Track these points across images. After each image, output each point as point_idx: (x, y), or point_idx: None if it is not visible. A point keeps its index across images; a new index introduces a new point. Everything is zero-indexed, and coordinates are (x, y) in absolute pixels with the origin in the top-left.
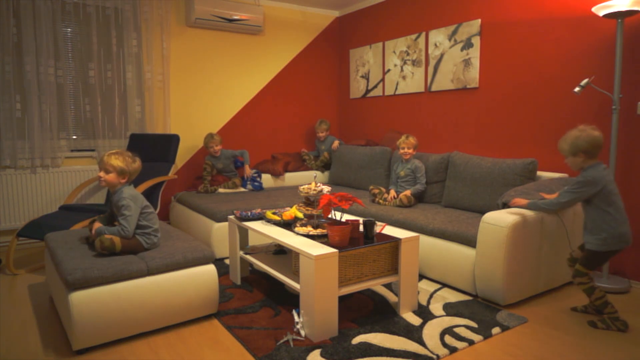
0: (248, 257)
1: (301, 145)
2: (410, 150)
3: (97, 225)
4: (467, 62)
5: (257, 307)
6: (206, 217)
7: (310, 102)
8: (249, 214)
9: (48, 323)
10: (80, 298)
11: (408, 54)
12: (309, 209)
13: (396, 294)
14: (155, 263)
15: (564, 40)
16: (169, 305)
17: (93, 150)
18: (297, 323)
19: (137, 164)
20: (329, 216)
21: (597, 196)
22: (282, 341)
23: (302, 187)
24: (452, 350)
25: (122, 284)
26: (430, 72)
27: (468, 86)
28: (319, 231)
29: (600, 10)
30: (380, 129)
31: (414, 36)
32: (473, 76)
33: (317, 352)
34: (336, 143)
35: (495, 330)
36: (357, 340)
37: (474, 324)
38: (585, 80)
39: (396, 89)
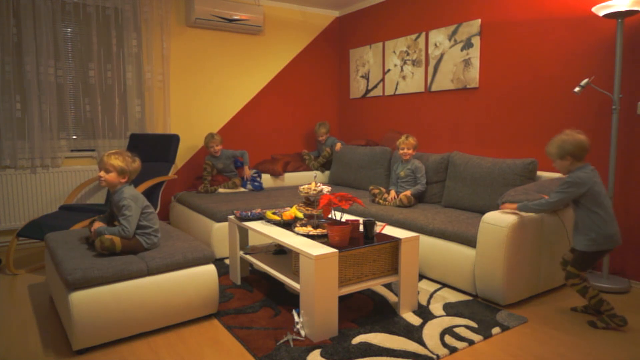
0: (248, 257)
1: (301, 145)
2: (410, 151)
3: (97, 225)
4: (467, 62)
5: (257, 307)
6: (206, 217)
7: (310, 102)
8: (249, 214)
9: (48, 323)
10: (80, 298)
11: (408, 54)
12: (309, 209)
13: (396, 294)
14: (155, 263)
15: (564, 40)
16: (169, 305)
17: (93, 150)
18: (297, 323)
19: (136, 163)
20: (329, 216)
21: (585, 197)
22: (282, 341)
23: (302, 187)
24: (452, 350)
25: (122, 284)
26: (430, 72)
27: (468, 86)
28: (319, 231)
29: (600, 10)
30: (380, 129)
31: (414, 36)
32: (473, 76)
33: (317, 352)
34: (339, 145)
35: (495, 330)
36: (357, 340)
37: (474, 324)
38: (585, 80)
39: (396, 89)
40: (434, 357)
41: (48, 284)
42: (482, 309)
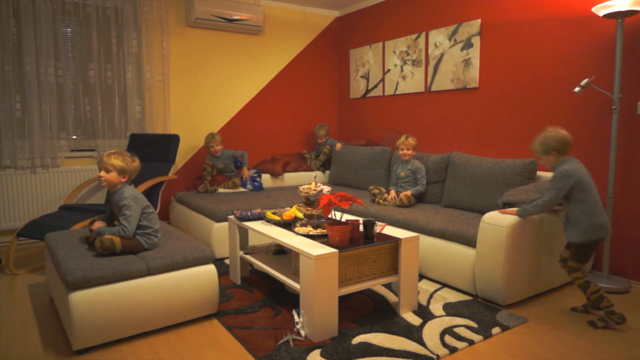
0: (248, 257)
1: (301, 145)
2: (410, 151)
3: (97, 225)
4: (467, 62)
5: (257, 307)
6: (206, 217)
7: (310, 102)
8: (249, 214)
9: (48, 323)
10: (80, 298)
11: (408, 54)
12: (309, 209)
13: (396, 294)
14: (155, 263)
15: (564, 40)
16: (169, 305)
17: (93, 150)
18: (297, 323)
19: (136, 163)
20: (329, 216)
21: (574, 189)
22: (282, 341)
23: (302, 187)
24: (452, 350)
25: (122, 284)
26: (430, 72)
27: (468, 86)
28: (319, 231)
29: (600, 10)
30: (380, 129)
31: (414, 36)
32: (473, 76)
33: (317, 352)
34: (339, 145)
35: (495, 330)
36: (357, 340)
37: (474, 324)
38: (585, 80)
39: (396, 89)
40: (434, 357)
41: (48, 284)
42: (482, 309)
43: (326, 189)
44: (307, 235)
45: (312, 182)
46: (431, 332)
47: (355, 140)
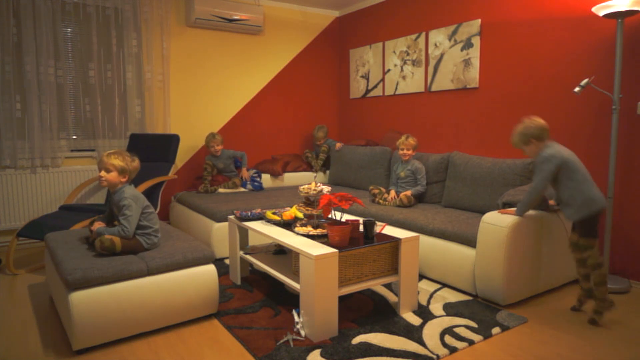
0: (248, 257)
1: (301, 145)
2: (410, 152)
3: (97, 225)
4: (467, 62)
5: (257, 307)
6: (206, 217)
7: (310, 102)
8: (249, 214)
9: (48, 323)
10: (80, 298)
11: (408, 54)
12: (309, 209)
13: (396, 294)
14: (155, 263)
15: (564, 40)
16: (169, 305)
17: (93, 150)
18: (297, 323)
19: (136, 162)
20: (329, 216)
21: (561, 171)
22: (282, 341)
23: (302, 187)
24: (452, 350)
25: (122, 284)
26: (430, 72)
27: (468, 86)
28: (319, 231)
29: (600, 10)
30: (380, 129)
31: (414, 36)
32: (473, 76)
33: (317, 352)
34: (339, 144)
35: (495, 330)
36: (357, 340)
37: (474, 324)
38: (585, 80)
39: (396, 89)
40: (434, 357)
41: (48, 284)
42: (482, 309)
43: (326, 189)
44: (307, 235)
45: (312, 182)
46: (431, 332)
47: (355, 140)
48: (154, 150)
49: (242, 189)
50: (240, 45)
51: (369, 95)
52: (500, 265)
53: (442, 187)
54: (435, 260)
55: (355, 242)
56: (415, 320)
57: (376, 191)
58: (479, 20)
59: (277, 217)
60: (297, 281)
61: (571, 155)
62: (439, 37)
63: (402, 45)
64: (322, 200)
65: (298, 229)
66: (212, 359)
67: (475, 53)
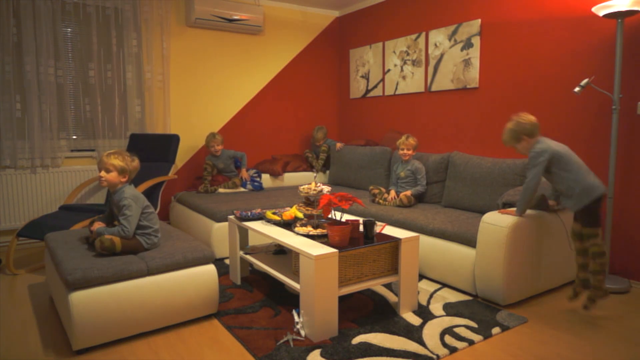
0: (248, 257)
1: (301, 145)
2: (410, 152)
3: (97, 225)
4: (467, 62)
5: (257, 307)
6: (206, 217)
7: (310, 102)
8: (249, 214)
9: (48, 323)
10: (80, 298)
11: (408, 54)
12: (309, 209)
13: (396, 294)
14: (155, 263)
15: (564, 40)
16: (169, 305)
17: (93, 150)
18: (297, 323)
19: (135, 162)
20: (329, 216)
21: (553, 163)
22: (282, 341)
23: (302, 187)
24: (452, 350)
25: (122, 284)
26: (430, 72)
27: (468, 86)
28: (319, 231)
29: (600, 10)
30: (380, 129)
31: (414, 36)
32: (473, 76)
33: (317, 352)
34: (339, 144)
35: (495, 330)
36: (357, 340)
37: (474, 324)
38: (585, 80)
39: (396, 89)
40: (434, 357)
41: (48, 284)
42: (482, 309)
43: (326, 189)
44: (307, 235)
45: (312, 182)
46: (431, 332)
47: (355, 140)
48: (154, 150)
49: (242, 189)
50: (240, 45)
51: (369, 95)
52: (500, 265)
53: (442, 187)
54: (435, 260)
55: (355, 242)
56: (415, 320)
57: (376, 191)
58: (479, 20)
59: (277, 217)
60: (297, 281)
61: (562, 148)
62: (439, 37)
63: (402, 45)
64: (322, 200)
65: (298, 229)
66: (212, 359)
67: (475, 53)
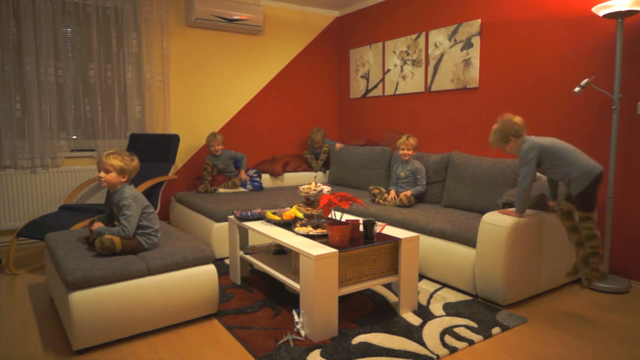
0: (248, 257)
1: (301, 145)
2: (410, 152)
3: (97, 225)
4: (467, 62)
5: (257, 307)
6: (206, 217)
7: (310, 103)
8: (249, 214)
9: (48, 323)
10: (80, 298)
11: (408, 54)
12: (309, 209)
13: (396, 294)
14: (155, 263)
15: (564, 40)
16: (169, 305)
17: (93, 150)
18: (297, 323)
19: (135, 162)
20: (329, 216)
21: (545, 157)
22: (282, 341)
23: (302, 187)
24: (452, 350)
25: (122, 284)
26: (430, 72)
27: (468, 86)
28: (319, 231)
29: (600, 10)
30: (380, 129)
31: (414, 36)
32: (473, 76)
33: (317, 352)
34: (339, 145)
35: (495, 330)
36: (357, 340)
37: (474, 324)
38: (585, 80)
39: (396, 89)
40: (434, 357)
41: (48, 284)
42: (482, 309)
43: (326, 189)
44: (307, 235)
45: (312, 182)
46: (431, 332)
47: (355, 140)
48: (154, 150)
49: (242, 189)
50: (240, 45)
51: (369, 95)
52: (500, 265)
53: (442, 187)
54: (435, 260)
55: (355, 242)
56: (415, 320)
57: (376, 191)
58: (479, 20)
59: (277, 217)
60: (297, 281)
61: (549, 141)
62: (439, 37)
63: (402, 45)
64: (322, 200)
65: (298, 229)
66: (212, 359)
67: (475, 53)
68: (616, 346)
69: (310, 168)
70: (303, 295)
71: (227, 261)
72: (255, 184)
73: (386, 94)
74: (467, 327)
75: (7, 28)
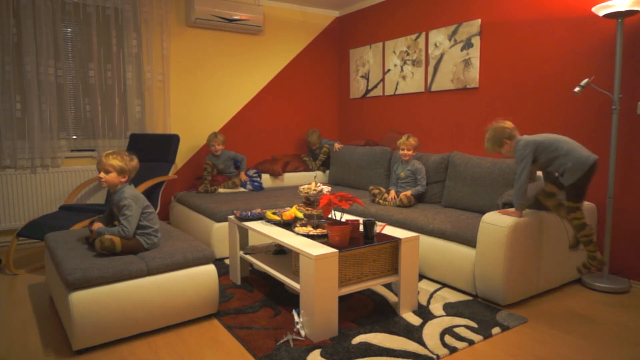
0: (248, 257)
1: (301, 145)
2: (410, 152)
3: (97, 225)
4: (467, 62)
5: (257, 307)
6: (206, 217)
7: (310, 103)
8: (249, 214)
9: (48, 323)
10: (80, 298)
11: (408, 54)
12: (309, 209)
13: (396, 294)
14: (155, 263)
15: (564, 40)
16: (169, 305)
17: (93, 150)
18: (297, 323)
19: (134, 162)
20: (329, 216)
21: (540, 153)
22: (282, 341)
23: (302, 187)
24: (452, 350)
25: (122, 284)
26: (430, 72)
27: (468, 86)
28: (319, 231)
29: (600, 10)
30: (380, 129)
31: (414, 36)
32: (473, 76)
33: (317, 352)
34: (338, 145)
35: (495, 330)
36: (357, 340)
37: (474, 324)
38: (585, 80)
39: (396, 89)
40: (434, 357)
41: (48, 284)
42: (482, 309)
43: (326, 189)
44: (307, 235)
45: (312, 182)
46: (431, 332)
47: (355, 140)
48: (154, 150)
49: (242, 189)
50: (240, 45)
51: (369, 95)
52: (500, 265)
53: (442, 187)
54: (435, 260)
55: (355, 242)
56: (415, 320)
57: (376, 191)
58: (479, 20)
59: (277, 217)
60: (297, 281)
61: (542, 136)
62: (439, 37)
63: (402, 45)
64: (322, 200)
65: (298, 229)
66: (212, 359)
67: (475, 53)
68: (616, 346)
69: (309, 169)
70: (303, 295)
71: (227, 261)
72: (255, 184)
73: (386, 94)
74: (467, 327)
75: (7, 28)
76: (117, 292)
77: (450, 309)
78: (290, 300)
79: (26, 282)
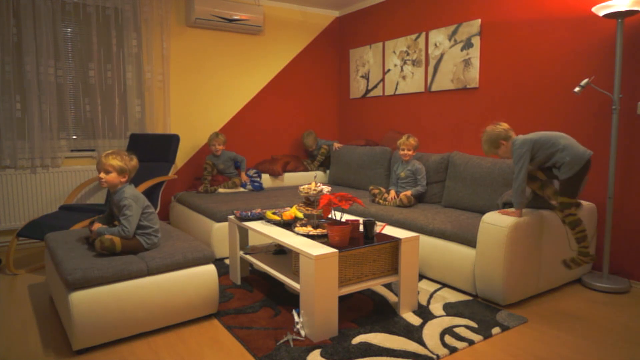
0: (248, 257)
1: (301, 145)
2: (410, 152)
3: (97, 225)
4: (467, 62)
5: (257, 307)
6: (206, 217)
7: (310, 102)
8: (249, 214)
9: (48, 323)
10: (80, 298)
11: (408, 54)
12: (309, 209)
13: (396, 294)
14: (155, 263)
15: (564, 40)
16: (169, 305)
17: (93, 150)
18: (297, 323)
19: (134, 161)
20: (329, 216)
21: (537, 150)
22: (282, 341)
23: (302, 187)
24: (452, 350)
25: (122, 284)
26: (430, 72)
27: (468, 86)
28: (319, 231)
29: (600, 10)
30: (380, 129)
31: (414, 36)
32: (473, 76)
33: (317, 352)
34: (337, 145)
35: (495, 330)
36: (357, 340)
37: (474, 324)
38: (585, 80)
39: (396, 89)
40: (434, 357)
41: (48, 284)
42: (482, 309)
43: (326, 189)
44: (307, 235)
45: (312, 182)
46: (431, 332)
47: (355, 140)
48: (154, 150)
49: (242, 189)
50: (240, 45)
51: (369, 95)
52: (500, 265)
53: (442, 187)
54: (435, 260)
55: (355, 242)
56: (415, 320)
57: (376, 191)
58: (479, 20)
59: (277, 217)
60: (297, 281)
61: (539, 134)
62: (439, 37)
63: (402, 45)
64: (322, 200)
65: (298, 229)
66: (212, 359)
67: (475, 53)
68: (616, 346)
69: (308, 170)
70: (303, 295)
71: (227, 261)
72: (255, 184)
73: (386, 94)
74: (467, 327)
75: (7, 28)
76: (117, 292)
77: (450, 309)
78: (290, 300)
79: (26, 282)
